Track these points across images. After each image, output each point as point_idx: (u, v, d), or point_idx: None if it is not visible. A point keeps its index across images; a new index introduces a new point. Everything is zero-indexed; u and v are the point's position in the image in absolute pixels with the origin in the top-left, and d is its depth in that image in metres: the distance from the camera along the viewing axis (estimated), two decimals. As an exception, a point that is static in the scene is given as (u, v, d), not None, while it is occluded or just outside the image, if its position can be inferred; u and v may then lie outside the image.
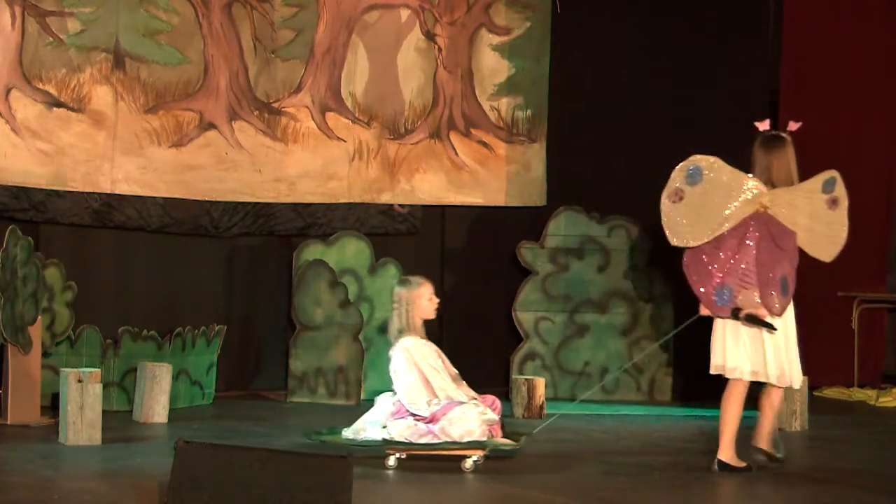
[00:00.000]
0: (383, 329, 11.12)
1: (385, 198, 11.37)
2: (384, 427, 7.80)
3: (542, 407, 10.05)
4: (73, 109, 10.19)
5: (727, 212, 7.70)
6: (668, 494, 7.33)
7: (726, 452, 7.84)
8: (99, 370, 8.73)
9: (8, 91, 9.96)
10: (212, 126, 10.69)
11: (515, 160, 11.76)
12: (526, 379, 10.18)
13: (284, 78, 11.00)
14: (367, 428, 7.87)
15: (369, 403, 10.63)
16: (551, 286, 11.38)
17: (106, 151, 10.31)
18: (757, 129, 7.94)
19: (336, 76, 11.18)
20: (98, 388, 8.46)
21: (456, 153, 11.58)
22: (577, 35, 11.87)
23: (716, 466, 7.83)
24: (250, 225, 10.96)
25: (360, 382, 10.67)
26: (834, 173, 7.87)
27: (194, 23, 10.63)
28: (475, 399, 7.84)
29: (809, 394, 9.76)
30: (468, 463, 7.68)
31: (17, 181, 10.01)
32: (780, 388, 7.95)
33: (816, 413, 9.93)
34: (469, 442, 7.65)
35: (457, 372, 8.00)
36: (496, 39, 11.73)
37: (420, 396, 7.76)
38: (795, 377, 7.87)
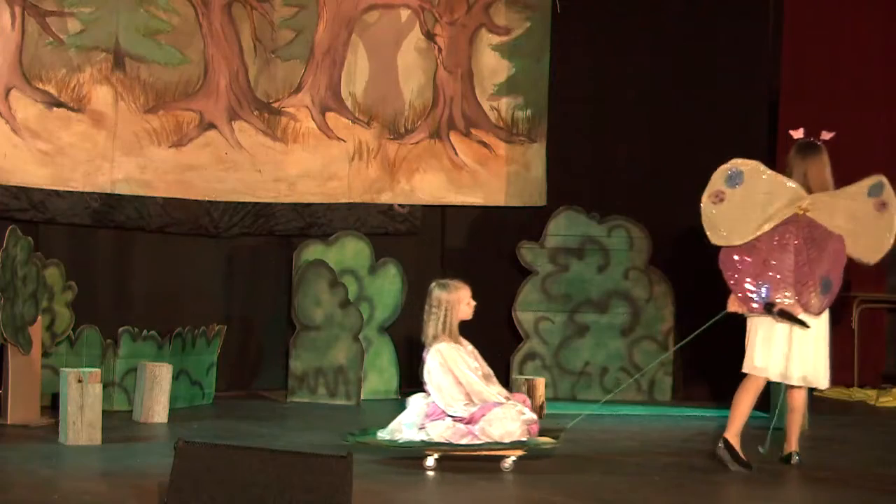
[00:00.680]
0: (384, 328, 11.14)
1: (385, 198, 11.37)
2: (421, 428, 7.83)
3: (542, 407, 10.04)
4: (73, 109, 10.19)
5: (768, 213, 7.86)
6: (668, 494, 7.33)
7: (734, 437, 7.93)
8: (99, 370, 8.72)
9: (8, 91, 9.97)
10: (212, 126, 10.69)
11: (515, 160, 11.76)
12: (526, 379, 10.17)
13: (284, 78, 11.00)
14: (403, 429, 7.89)
15: (369, 403, 10.71)
16: (551, 286, 11.38)
17: (106, 151, 10.31)
18: (791, 136, 8.11)
19: (336, 76, 11.18)
20: (98, 388, 8.46)
21: (456, 153, 11.58)
22: (577, 35, 11.86)
23: (721, 444, 7.90)
24: (250, 225, 10.96)
25: (360, 382, 10.67)
26: (881, 178, 7.99)
27: (194, 23, 10.63)
28: (508, 398, 7.89)
29: (810, 394, 9.75)
30: (507, 462, 7.75)
31: (17, 181, 10.01)
32: (803, 388, 8.07)
33: (816, 413, 9.93)
34: (511, 442, 7.72)
35: (490, 371, 8.05)
36: (496, 39, 11.73)
37: (455, 399, 7.81)
38: (822, 378, 8.00)
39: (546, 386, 10.28)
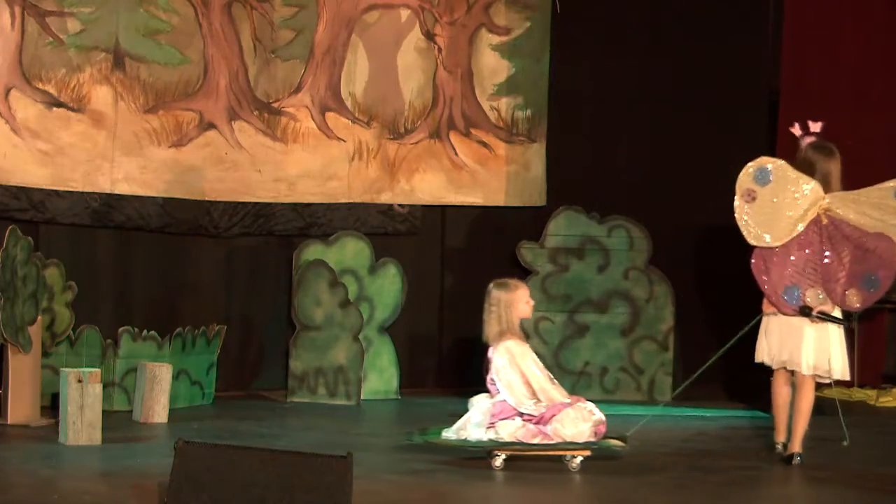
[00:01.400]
0: (384, 328, 11.14)
1: (385, 198, 11.37)
2: (489, 427, 7.86)
3: (542, 407, 10.04)
4: (72, 109, 10.19)
5: (799, 213, 8.01)
6: (669, 494, 7.33)
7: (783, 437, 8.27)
8: (99, 370, 8.72)
9: (8, 91, 9.97)
10: (212, 126, 10.69)
11: (515, 160, 11.76)
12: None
13: (284, 78, 11.00)
14: (470, 429, 7.91)
15: (369, 403, 10.71)
16: (551, 286, 11.38)
17: (106, 151, 10.31)
18: (796, 135, 8.24)
19: (336, 76, 11.18)
20: (98, 388, 8.46)
21: (456, 153, 11.58)
22: (577, 35, 11.86)
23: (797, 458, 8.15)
24: (250, 225, 10.96)
25: (360, 382, 10.67)
26: None
27: (194, 23, 10.63)
28: (574, 399, 7.97)
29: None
30: (575, 462, 7.80)
31: (17, 181, 10.01)
32: (808, 390, 8.24)
33: (816, 413, 9.92)
34: (584, 443, 7.79)
35: (550, 374, 8.09)
36: (496, 39, 11.73)
37: (525, 396, 7.85)
38: (838, 369, 8.18)
39: (546, 386, 10.27)
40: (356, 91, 11.24)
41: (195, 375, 10.20)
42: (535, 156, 11.83)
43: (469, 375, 11.34)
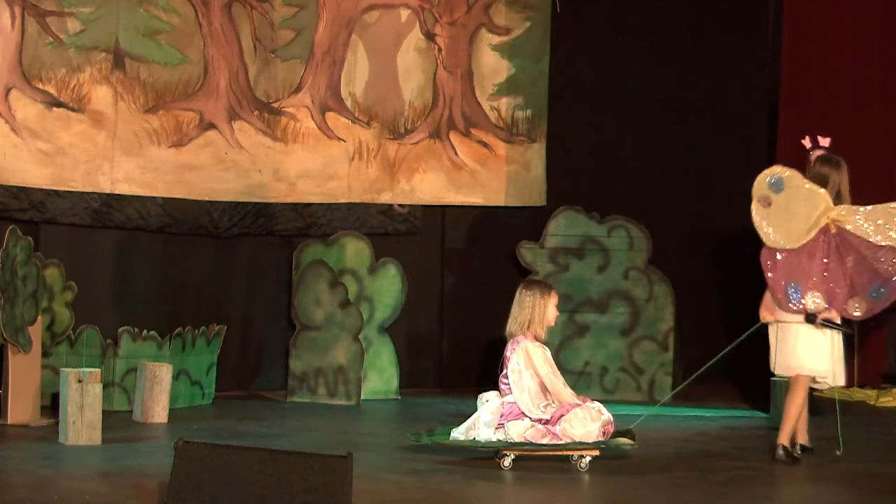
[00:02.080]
0: (384, 328, 11.14)
1: (385, 198, 11.37)
2: (498, 428, 7.88)
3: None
4: (72, 109, 10.19)
5: (811, 220, 8.22)
6: (669, 494, 7.33)
7: (786, 439, 8.31)
8: (99, 370, 8.73)
9: (8, 91, 9.97)
10: (212, 126, 10.69)
11: (515, 160, 11.76)
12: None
13: (284, 78, 11.00)
14: (479, 429, 7.92)
15: (369, 403, 10.71)
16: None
17: (106, 151, 10.31)
18: (816, 143, 8.42)
19: (336, 76, 11.18)
20: (98, 388, 8.46)
21: (456, 153, 11.58)
22: (577, 35, 11.87)
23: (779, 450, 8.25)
24: (250, 225, 10.96)
25: (360, 382, 10.67)
26: None
27: (194, 23, 10.63)
28: (583, 399, 8.00)
29: (810, 394, 9.75)
30: (584, 462, 7.83)
31: (17, 181, 10.01)
32: (801, 387, 8.38)
33: (816, 413, 9.92)
34: (593, 442, 7.83)
35: (563, 378, 8.12)
36: (496, 39, 11.73)
37: (538, 400, 7.86)
38: (839, 374, 8.45)
39: (546, 386, 10.27)
40: (356, 91, 11.24)
41: (195, 375, 10.20)
42: (535, 156, 11.82)
43: (469, 375, 11.36)
